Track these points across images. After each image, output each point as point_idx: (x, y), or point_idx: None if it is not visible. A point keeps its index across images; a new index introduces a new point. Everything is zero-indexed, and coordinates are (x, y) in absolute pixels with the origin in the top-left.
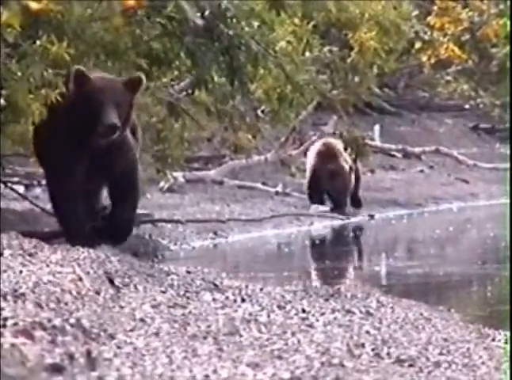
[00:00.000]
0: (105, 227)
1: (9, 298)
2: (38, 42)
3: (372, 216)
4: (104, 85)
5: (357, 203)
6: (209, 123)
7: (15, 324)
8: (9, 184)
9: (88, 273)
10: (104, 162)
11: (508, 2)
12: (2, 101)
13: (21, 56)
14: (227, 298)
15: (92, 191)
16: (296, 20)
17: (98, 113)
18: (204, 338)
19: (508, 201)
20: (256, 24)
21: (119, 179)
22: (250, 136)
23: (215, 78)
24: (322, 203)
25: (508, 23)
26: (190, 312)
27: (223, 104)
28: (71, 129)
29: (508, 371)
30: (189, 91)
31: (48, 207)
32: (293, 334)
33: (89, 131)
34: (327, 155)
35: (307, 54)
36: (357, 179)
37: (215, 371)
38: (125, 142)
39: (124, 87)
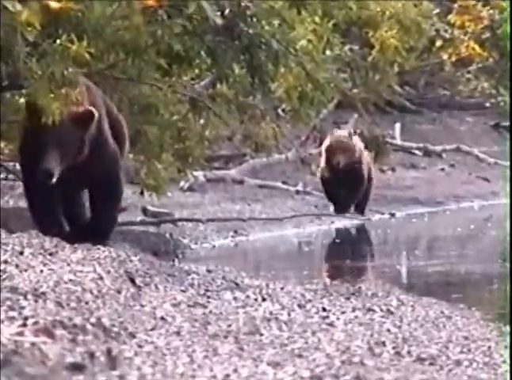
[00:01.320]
0: (85, 227)
1: (29, 297)
2: (58, 41)
3: (393, 214)
4: (50, 125)
5: (360, 209)
6: (230, 120)
7: (36, 322)
8: None
9: (109, 272)
10: (80, 170)
11: None
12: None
13: (41, 55)
14: (247, 297)
15: (70, 194)
16: (317, 19)
17: (39, 155)
18: (225, 337)
19: None
20: (276, 22)
21: (98, 182)
22: (270, 133)
23: (236, 70)
24: (337, 203)
25: None
26: (211, 311)
27: (244, 97)
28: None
29: None
30: (210, 88)
31: None
32: (314, 333)
33: (36, 170)
34: (337, 150)
35: (328, 52)
36: (369, 180)
37: (235, 370)
38: (101, 147)
39: (73, 122)
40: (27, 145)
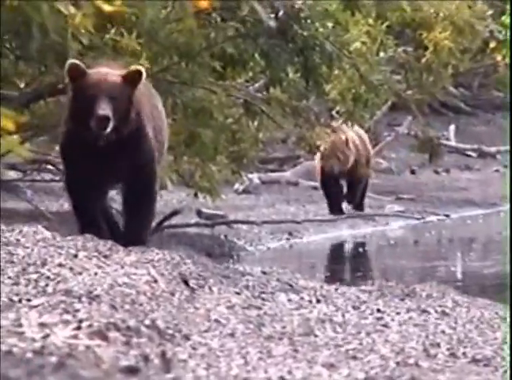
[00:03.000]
0: (118, 235)
1: (83, 299)
2: (107, 35)
3: (447, 216)
4: (99, 78)
5: (359, 206)
6: (284, 123)
7: (90, 325)
8: None
9: (163, 275)
10: (118, 154)
11: None
12: None
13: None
14: (302, 298)
15: (105, 189)
16: (371, 21)
17: (91, 107)
18: (280, 339)
19: None
20: (330, 24)
21: (134, 180)
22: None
23: (290, 74)
24: (335, 206)
25: None
26: (265, 313)
27: (298, 101)
28: (73, 130)
29: None
30: (264, 91)
31: None
32: (368, 334)
33: (85, 128)
34: (330, 156)
35: (382, 54)
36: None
37: (290, 372)
38: (141, 141)
39: (123, 81)
40: (69, 116)
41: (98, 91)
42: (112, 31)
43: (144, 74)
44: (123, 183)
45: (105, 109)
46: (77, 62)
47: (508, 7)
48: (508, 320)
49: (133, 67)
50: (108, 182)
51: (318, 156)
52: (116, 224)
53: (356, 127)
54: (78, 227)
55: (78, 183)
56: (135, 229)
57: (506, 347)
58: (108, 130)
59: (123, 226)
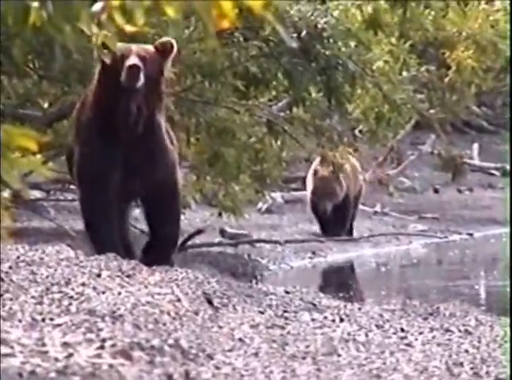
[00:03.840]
0: (146, 246)
1: (107, 319)
2: None
3: (470, 234)
4: (128, 46)
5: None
6: (307, 142)
7: (113, 345)
8: None
9: (186, 294)
10: (139, 166)
11: None
12: None
13: None
14: (325, 317)
15: (123, 206)
16: (393, 40)
17: (121, 65)
18: (303, 358)
19: None
20: (353, 43)
21: (158, 188)
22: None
23: (313, 94)
24: (325, 226)
25: None
26: (289, 332)
27: (321, 120)
28: (100, 110)
29: None
30: (287, 110)
31: None
32: (392, 353)
33: (114, 90)
34: (322, 196)
35: (405, 73)
36: (356, 199)
37: None
38: (161, 144)
39: (155, 51)
40: (98, 99)
41: (129, 50)
42: None
43: (175, 47)
44: (145, 200)
45: (134, 60)
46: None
47: None
48: None
49: (165, 38)
50: (126, 199)
51: (309, 187)
52: (131, 245)
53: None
54: (94, 250)
55: (95, 201)
56: (161, 248)
57: None
58: (139, 84)
59: (148, 245)
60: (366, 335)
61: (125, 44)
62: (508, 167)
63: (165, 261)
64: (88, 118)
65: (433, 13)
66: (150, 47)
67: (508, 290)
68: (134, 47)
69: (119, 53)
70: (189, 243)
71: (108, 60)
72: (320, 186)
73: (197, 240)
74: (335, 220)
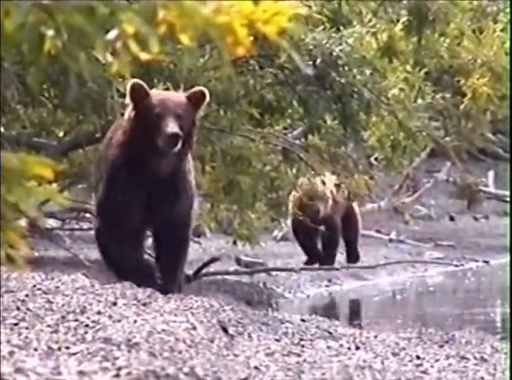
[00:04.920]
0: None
1: (123, 347)
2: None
3: (486, 262)
4: (164, 97)
5: (353, 257)
6: (322, 170)
7: (129, 373)
8: None
9: (202, 322)
10: (161, 202)
11: None
12: None
13: None
14: (341, 345)
15: (140, 235)
16: (408, 67)
17: (158, 125)
18: None
19: None
20: (368, 71)
21: (171, 224)
22: (363, 182)
23: (328, 122)
24: (312, 256)
25: None
26: (305, 360)
27: (337, 148)
28: (129, 152)
29: None
30: (303, 138)
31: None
32: None
33: (149, 148)
34: (306, 202)
35: (420, 101)
36: (354, 225)
37: None
38: (186, 181)
39: (187, 101)
40: (128, 137)
41: (166, 109)
42: (160, 85)
43: (208, 96)
44: (158, 230)
45: (174, 127)
46: (140, 82)
47: None
48: None
49: (197, 88)
50: (144, 230)
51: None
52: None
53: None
54: (116, 276)
55: (114, 232)
56: (172, 278)
57: None
58: (177, 148)
59: (161, 273)
60: (382, 362)
61: (159, 92)
62: None
63: (170, 286)
64: (115, 155)
65: (448, 40)
66: (182, 97)
67: None
68: (169, 102)
69: (154, 104)
70: (204, 271)
71: (141, 108)
72: (300, 203)
73: (213, 268)
74: (323, 246)
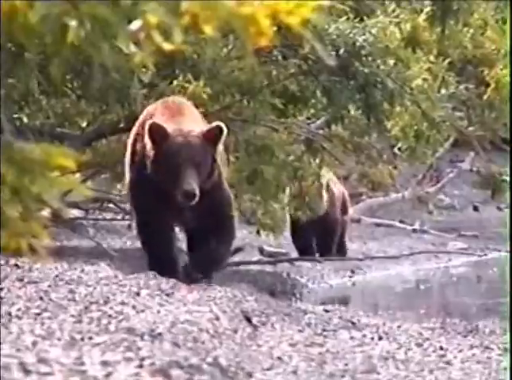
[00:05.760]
0: (192, 262)
1: (146, 337)
2: (175, 82)
3: (510, 252)
4: (182, 143)
5: (341, 250)
6: (346, 160)
7: (152, 363)
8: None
9: (225, 312)
10: (196, 209)
11: None
12: None
13: (158, 96)
14: (364, 336)
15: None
16: (432, 58)
17: (176, 176)
18: (342, 376)
19: None
20: (391, 61)
21: (209, 212)
22: (387, 172)
23: (352, 112)
24: (306, 251)
25: None
26: (327, 350)
27: (360, 138)
28: (155, 184)
29: None
30: (326, 128)
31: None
32: (431, 371)
33: (169, 191)
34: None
35: (443, 91)
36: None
37: None
38: (218, 185)
39: (204, 140)
40: (153, 172)
41: (184, 160)
42: (180, 77)
43: (225, 131)
44: (198, 218)
45: (191, 184)
46: (159, 122)
47: None
48: None
49: (214, 124)
50: (180, 220)
51: None
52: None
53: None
54: (153, 269)
55: (151, 224)
56: (206, 265)
57: None
58: (195, 201)
59: (193, 261)
60: (405, 353)
61: (178, 133)
62: None
63: (206, 277)
64: (141, 174)
65: (471, 30)
66: (200, 139)
67: None
68: (188, 149)
69: (173, 152)
70: (228, 261)
71: (161, 150)
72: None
73: (236, 258)
74: (319, 242)
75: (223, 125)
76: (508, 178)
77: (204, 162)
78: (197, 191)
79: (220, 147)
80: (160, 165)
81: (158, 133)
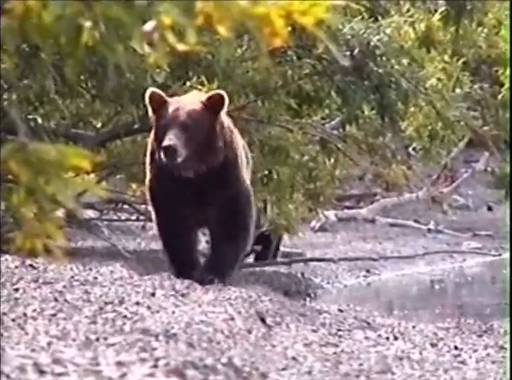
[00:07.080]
0: (204, 264)
1: (161, 338)
2: (188, 83)
3: None
4: (176, 107)
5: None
6: (360, 160)
7: (167, 364)
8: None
9: (240, 312)
10: (205, 193)
11: None
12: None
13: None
14: (379, 336)
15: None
16: (446, 57)
17: (162, 137)
18: (357, 376)
19: None
20: (406, 61)
21: (226, 211)
22: (401, 172)
23: (366, 112)
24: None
25: None
26: (342, 350)
27: (374, 138)
28: (175, 181)
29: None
30: (340, 128)
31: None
32: (446, 371)
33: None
34: None
35: (458, 90)
36: None
37: None
38: (230, 171)
39: (203, 107)
40: (153, 145)
41: (171, 121)
42: (194, 79)
43: (226, 99)
44: (215, 218)
45: (171, 140)
46: (156, 90)
47: None
48: None
49: (214, 92)
50: (200, 220)
51: None
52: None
53: None
54: (173, 271)
55: (171, 224)
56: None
57: None
58: (179, 160)
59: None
60: (420, 353)
61: (178, 100)
62: None
63: (220, 279)
64: (150, 160)
65: (485, 30)
66: (197, 105)
67: None
68: (179, 112)
69: (164, 114)
70: (240, 265)
71: (157, 117)
72: None
73: (251, 258)
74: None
75: (223, 93)
76: None
77: (196, 126)
78: (180, 148)
79: (225, 119)
80: (156, 132)
81: (156, 100)
